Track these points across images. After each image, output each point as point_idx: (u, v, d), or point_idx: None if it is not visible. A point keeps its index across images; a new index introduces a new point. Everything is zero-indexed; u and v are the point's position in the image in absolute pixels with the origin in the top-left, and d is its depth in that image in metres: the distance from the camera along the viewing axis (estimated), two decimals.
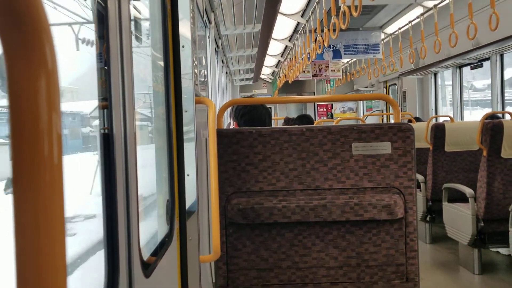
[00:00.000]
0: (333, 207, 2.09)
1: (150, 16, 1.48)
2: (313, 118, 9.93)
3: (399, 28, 7.73)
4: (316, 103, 15.72)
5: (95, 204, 0.84)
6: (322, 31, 5.64)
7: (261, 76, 15.12)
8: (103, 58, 0.86)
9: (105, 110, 0.87)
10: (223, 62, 8.06)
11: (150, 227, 1.42)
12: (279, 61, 12.30)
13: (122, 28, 0.91)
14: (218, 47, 6.40)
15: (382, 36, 8.84)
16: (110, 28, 0.85)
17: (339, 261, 2.15)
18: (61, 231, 0.27)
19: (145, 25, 1.48)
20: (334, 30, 4.95)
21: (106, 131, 0.86)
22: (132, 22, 1.43)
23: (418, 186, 4.84)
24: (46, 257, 0.26)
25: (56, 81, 0.27)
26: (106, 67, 0.85)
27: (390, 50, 7.81)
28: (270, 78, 16.57)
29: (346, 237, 2.14)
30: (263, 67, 12.06)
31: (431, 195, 4.74)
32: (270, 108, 16.08)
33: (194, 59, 1.69)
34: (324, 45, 5.60)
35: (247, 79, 14.34)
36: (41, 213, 0.26)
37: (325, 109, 15.99)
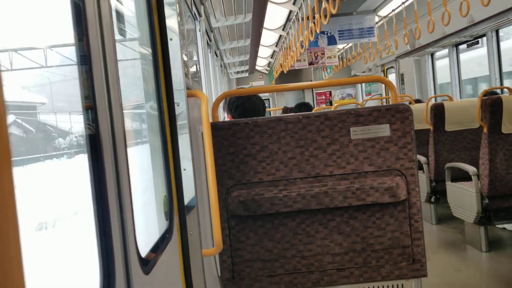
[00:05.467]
0: (334, 193, 2.07)
1: (135, 10, 1.46)
2: (312, 106, 9.90)
3: (393, 10, 7.66)
4: (314, 91, 15.67)
5: (88, 204, 0.82)
6: (314, 17, 5.59)
7: (257, 67, 15.06)
8: (83, 54, 0.83)
9: (89, 110, 0.85)
10: (216, 55, 8.01)
11: (149, 224, 1.41)
12: (274, 51, 12.24)
13: (102, 21, 0.89)
14: (210, 40, 6.35)
15: (376, 19, 8.77)
16: (89, 22, 0.82)
17: (344, 247, 2.14)
18: (14, 233, 0.25)
19: (131, 18, 1.45)
20: (326, 16, 4.90)
21: (92, 131, 0.84)
22: (119, 17, 1.41)
23: (421, 168, 4.83)
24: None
25: None
26: (86, 65, 0.82)
27: (385, 32, 7.76)
28: (266, 69, 16.52)
29: (350, 223, 2.13)
30: (258, 58, 12.00)
31: (434, 176, 4.72)
32: (268, 98, 16.06)
33: (184, 52, 1.66)
34: (316, 31, 5.55)
35: (242, 72, 14.28)
36: None
37: (323, 97, 15.95)
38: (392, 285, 2.17)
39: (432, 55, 8.75)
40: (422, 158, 4.83)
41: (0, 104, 0.25)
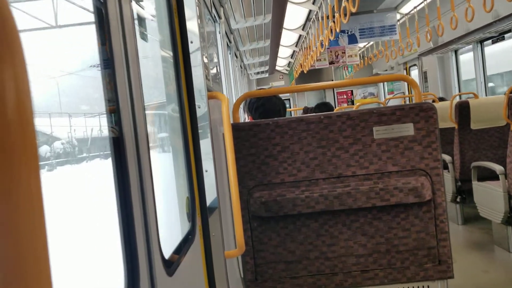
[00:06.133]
0: (357, 194, 2.05)
1: (156, 14, 1.47)
2: (334, 106, 9.81)
3: (415, 7, 7.55)
4: (335, 91, 15.55)
5: (112, 206, 0.83)
6: (334, 16, 5.55)
7: (277, 68, 15.03)
8: (107, 59, 0.84)
9: (113, 113, 0.85)
10: (236, 56, 8.03)
11: (172, 226, 1.42)
12: (294, 51, 12.20)
13: (124, 25, 0.90)
14: (230, 41, 6.36)
15: (398, 16, 8.65)
16: (111, 26, 0.83)
17: (368, 248, 2.11)
18: (42, 237, 0.25)
19: (152, 22, 1.47)
20: (346, 14, 4.86)
21: (115, 134, 0.84)
22: (141, 21, 1.43)
23: (446, 167, 4.73)
24: (27, 260, 0.24)
25: (26, 81, 0.25)
26: (109, 68, 0.83)
27: (407, 30, 7.64)
28: (286, 70, 16.48)
29: (374, 224, 2.10)
30: (278, 58, 11.97)
31: (459, 175, 4.62)
32: (289, 98, 16.01)
33: (204, 54, 1.67)
34: (336, 30, 5.51)
35: (262, 72, 14.27)
36: (21, 222, 0.24)
37: (345, 96, 15.81)
38: (418, 287, 2.13)
39: (456, 52, 8.58)
40: (447, 157, 4.74)
41: (27, 107, 0.25)
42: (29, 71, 0.26)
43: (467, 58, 8.35)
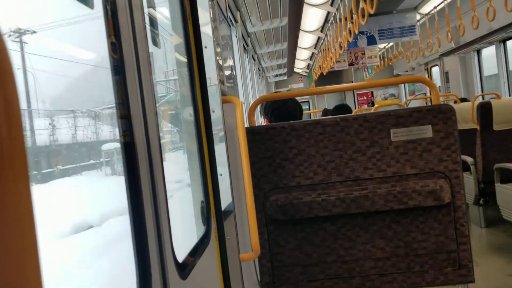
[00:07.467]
0: (375, 197, 2.03)
1: (170, 18, 1.49)
2: (354, 108, 9.70)
3: (435, 7, 7.43)
4: (355, 92, 15.42)
5: (124, 210, 0.85)
6: (352, 18, 5.52)
7: (296, 70, 14.99)
8: (118, 64, 0.86)
9: (125, 119, 0.87)
10: (254, 59, 8.03)
11: (186, 229, 1.43)
12: (313, 53, 12.15)
13: (136, 30, 0.91)
14: (247, 45, 6.37)
15: (418, 17, 8.54)
16: (122, 32, 0.85)
17: (386, 251, 2.08)
18: (31, 234, 0.26)
19: (165, 27, 1.49)
20: (364, 16, 4.82)
21: (127, 139, 0.86)
22: (153, 26, 1.44)
23: (468, 169, 4.64)
24: (16, 258, 0.25)
25: (13, 80, 0.25)
26: (121, 75, 0.85)
27: (427, 30, 7.53)
28: (305, 72, 16.42)
29: (392, 227, 2.08)
30: (297, 60, 11.94)
31: (482, 177, 4.53)
32: (308, 100, 15.95)
33: (218, 58, 1.68)
34: (355, 32, 5.47)
35: (281, 75, 14.25)
36: (8, 230, 0.25)
37: (365, 98, 15.66)
38: None
39: (478, 51, 8.41)
40: (469, 159, 4.65)
41: (15, 109, 0.26)
42: (16, 74, 0.26)
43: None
